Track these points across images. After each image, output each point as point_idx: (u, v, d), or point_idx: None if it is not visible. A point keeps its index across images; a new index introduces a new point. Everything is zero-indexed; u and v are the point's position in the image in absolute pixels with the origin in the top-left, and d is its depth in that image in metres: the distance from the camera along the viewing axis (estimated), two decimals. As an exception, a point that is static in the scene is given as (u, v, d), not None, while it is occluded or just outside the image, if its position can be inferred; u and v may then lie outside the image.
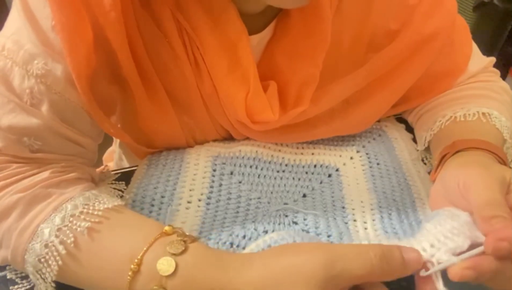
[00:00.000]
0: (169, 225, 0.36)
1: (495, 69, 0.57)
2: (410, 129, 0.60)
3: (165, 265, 0.33)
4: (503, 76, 0.56)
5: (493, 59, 0.57)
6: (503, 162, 0.43)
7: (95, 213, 0.37)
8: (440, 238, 0.33)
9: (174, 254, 0.33)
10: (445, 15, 0.50)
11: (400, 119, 0.61)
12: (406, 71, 0.51)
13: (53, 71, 0.38)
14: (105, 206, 0.38)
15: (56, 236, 0.35)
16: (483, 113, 0.49)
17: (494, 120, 0.48)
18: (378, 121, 0.59)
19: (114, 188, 0.48)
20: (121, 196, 0.47)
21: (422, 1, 0.49)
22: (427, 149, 0.54)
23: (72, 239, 0.35)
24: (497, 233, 0.31)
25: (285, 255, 0.33)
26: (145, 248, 0.34)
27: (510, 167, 0.43)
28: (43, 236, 0.35)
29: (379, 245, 0.32)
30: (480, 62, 0.55)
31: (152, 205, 0.47)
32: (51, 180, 0.39)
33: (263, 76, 0.46)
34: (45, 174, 0.39)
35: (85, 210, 0.37)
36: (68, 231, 0.36)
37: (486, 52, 0.57)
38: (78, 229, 0.36)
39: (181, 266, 0.33)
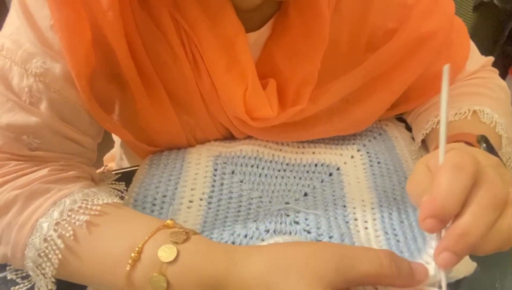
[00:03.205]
0: (171, 219, 0.36)
1: (493, 68, 0.57)
2: (410, 128, 0.60)
3: (167, 252, 0.33)
4: (503, 76, 0.56)
5: (491, 58, 0.57)
6: (471, 145, 0.42)
7: (94, 207, 0.37)
8: None
9: (176, 243, 0.34)
10: (442, 16, 0.50)
11: (400, 119, 0.62)
12: (405, 70, 0.51)
13: (52, 69, 0.39)
14: (105, 201, 0.38)
15: (55, 230, 0.35)
16: (474, 111, 0.48)
17: (485, 117, 0.48)
18: (379, 120, 0.59)
19: (114, 188, 0.48)
20: (121, 197, 0.47)
21: (420, 1, 0.49)
22: (427, 148, 0.54)
23: (71, 232, 0.35)
24: (423, 212, 0.30)
25: (295, 245, 0.33)
26: (146, 237, 0.34)
27: (486, 150, 0.42)
28: (42, 231, 0.35)
29: (389, 250, 0.32)
30: (478, 61, 0.55)
31: (154, 205, 0.47)
32: (50, 177, 0.39)
33: (262, 75, 0.47)
34: (44, 171, 0.39)
35: (83, 205, 0.37)
36: (66, 225, 0.36)
37: (486, 52, 0.57)
38: (77, 222, 0.36)
39: (183, 253, 0.33)
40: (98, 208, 0.37)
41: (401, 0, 0.49)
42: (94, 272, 0.36)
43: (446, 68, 0.30)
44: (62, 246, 0.35)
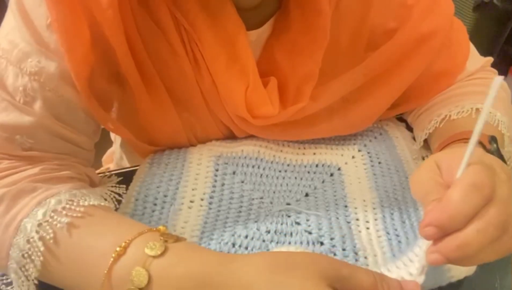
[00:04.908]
0: (163, 225, 0.35)
1: (492, 69, 0.57)
2: (410, 127, 0.60)
3: (155, 246, 0.32)
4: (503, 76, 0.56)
5: (490, 59, 0.57)
6: (481, 144, 0.43)
7: (78, 209, 0.36)
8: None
9: (166, 241, 0.33)
10: (442, 16, 0.50)
11: (401, 119, 0.62)
12: (405, 69, 0.51)
13: (47, 68, 0.39)
14: (91, 203, 0.37)
15: (36, 232, 0.35)
16: (477, 109, 0.48)
17: (488, 115, 0.47)
18: (379, 120, 0.59)
19: (113, 191, 0.47)
20: (119, 200, 0.47)
21: (420, 1, 0.49)
22: (429, 147, 0.54)
23: (52, 235, 0.34)
24: (427, 218, 0.30)
25: (293, 252, 0.33)
26: (136, 233, 0.33)
27: (491, 149, 0.42)
28: (26, 231, 0.35)
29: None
30: (478, 62, 0.55)
31: (155, 204, 0.47)
32: (40, 175, 0.38)
33: (263, 73, 0.47)
34: (35, 170, 0.39)
35: (67, 206, 0.36)
36: (48, 227, 0.35)
37: (486, 52, 0.57)
38: (58, 224, 0.35)
39: (172, 249, 0.32)
40: (82, 209, 0.36)
41: (401, 0, 0.49)
42: (74, 275, 0.34)
43: (497, 80, 0.29)
44: (42, 248, 0.34)
